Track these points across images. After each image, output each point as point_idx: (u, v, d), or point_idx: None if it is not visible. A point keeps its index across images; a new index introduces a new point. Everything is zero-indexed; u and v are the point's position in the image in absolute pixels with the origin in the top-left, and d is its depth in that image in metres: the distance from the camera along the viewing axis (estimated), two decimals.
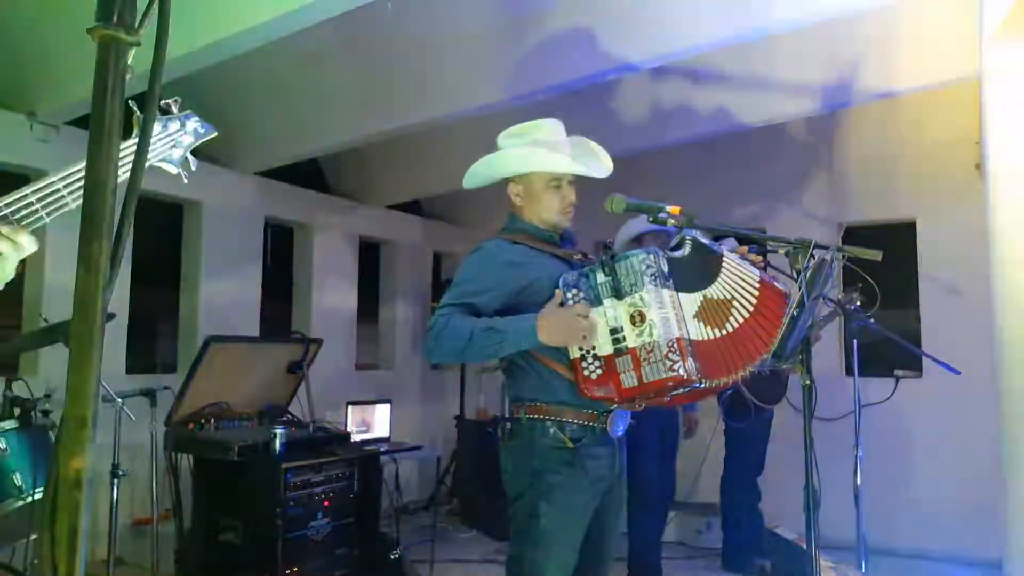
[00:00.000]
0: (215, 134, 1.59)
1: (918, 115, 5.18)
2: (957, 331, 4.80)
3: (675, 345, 1.97)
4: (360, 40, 4.58)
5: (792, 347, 2.07)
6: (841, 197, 5.58)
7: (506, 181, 2.32)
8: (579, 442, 2.08)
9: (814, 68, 4.47)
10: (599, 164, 2.29)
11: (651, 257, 2.05)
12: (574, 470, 2.07)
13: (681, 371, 1.96)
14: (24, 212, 1.16)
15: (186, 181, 1.45)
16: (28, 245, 1.13)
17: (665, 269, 2.07)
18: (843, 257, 2.22)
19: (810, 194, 5.67)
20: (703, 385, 2.02)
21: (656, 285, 2.02)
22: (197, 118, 1.49)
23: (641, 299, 2.01)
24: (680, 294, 2.07)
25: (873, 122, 5.26)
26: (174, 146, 1.44)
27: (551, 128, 2.28)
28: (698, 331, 2.05)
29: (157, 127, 1.37)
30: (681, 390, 2.04)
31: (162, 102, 1.37)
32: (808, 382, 2.00)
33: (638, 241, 3.70)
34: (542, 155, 2.23)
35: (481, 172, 2.35)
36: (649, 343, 1.98)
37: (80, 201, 1.21)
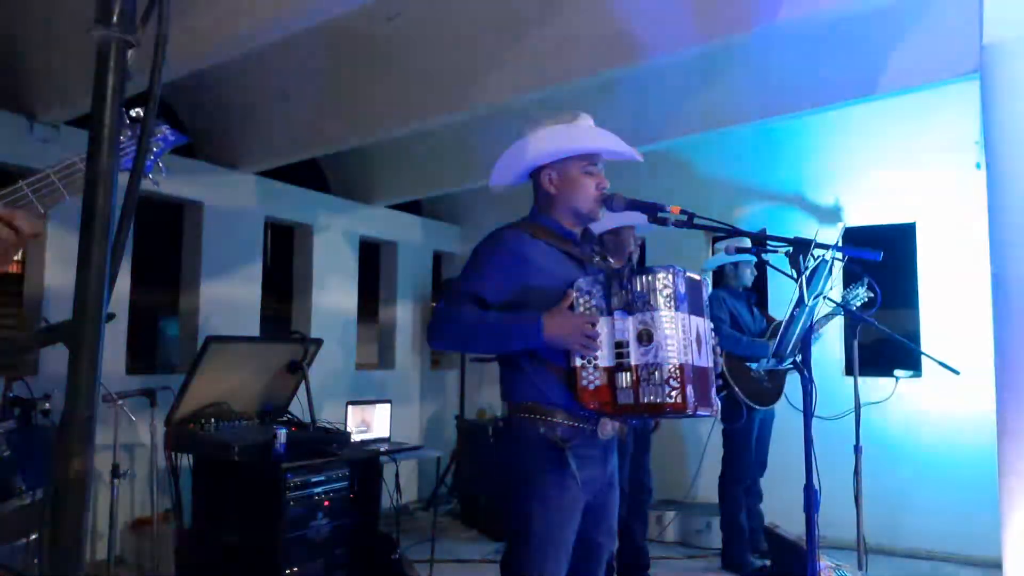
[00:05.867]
0: (187, 141, 1.62)
1: (918, 115, 5.17)
2: (957, 331, 4.80)
3: (676, 372, 1.93)
4: (360, 40, 4.58)
5: (791, 347, 2.07)
6: (841, 197, 5.59)
7: (535, 173, 2.25)
8: (569, 443, 2.06)
9: (814, 68, 4.47)
10: (632, 151, 2.26)
11: (669, 276, 1.98)
12: (565, 471, 2.05)
13: (678, 399, 1.92)
14: (21, 204, 1.18)
15: (158, 187, 1.45)
16: (26, 227, 1.14)
17: (682, 290, 2.00)
18: (843, 257, 2.23)
19: (810, 194, 5.68)
20: (697, 414, 1.99)
21: (670, 307, 1.96)
22: (167, 126, 1.48)
23: (652, 318, 1.95)
24: (691, 317, 2.02)
25: (873, 122, 5.26)
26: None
27: (581, 115, 2.26)
28: (699, 356, 2.02)
29: (127, 134, 1.33)
30: (675, 415, 2.02)
31: (132, 111, 1.33)
32: (808, 382, 2.00)
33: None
34: (583, 134, 2.20)
35: (513, 163, 2.27)
36: (652, 364, 1.93)
37: (72, 193, 1.23)
